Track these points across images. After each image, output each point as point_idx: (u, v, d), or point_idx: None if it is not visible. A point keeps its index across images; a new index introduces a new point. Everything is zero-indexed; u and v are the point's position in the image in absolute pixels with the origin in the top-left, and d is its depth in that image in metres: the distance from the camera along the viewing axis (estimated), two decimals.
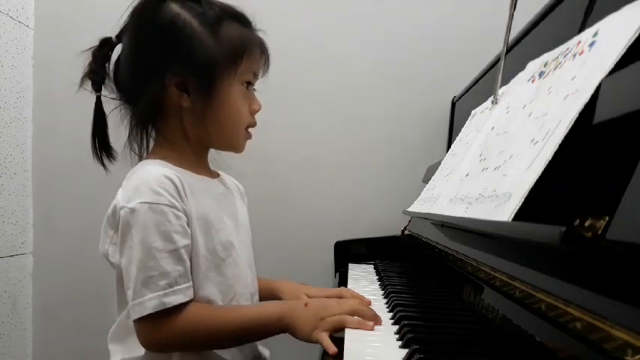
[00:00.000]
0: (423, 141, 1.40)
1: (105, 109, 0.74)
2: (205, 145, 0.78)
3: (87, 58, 0.73)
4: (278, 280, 0.90)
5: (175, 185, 0.67)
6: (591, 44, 0.50)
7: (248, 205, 0.89)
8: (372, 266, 1.17)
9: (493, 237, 0.60)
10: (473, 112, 0.96)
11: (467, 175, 0.72)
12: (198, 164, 0.77)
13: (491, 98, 0.80)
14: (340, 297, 0.75)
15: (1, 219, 1.33)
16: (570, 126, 0.44)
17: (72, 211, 1.41)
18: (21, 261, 1.40)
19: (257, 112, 0.78)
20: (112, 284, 0.71)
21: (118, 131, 0.75)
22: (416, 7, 1.39)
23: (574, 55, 0.53)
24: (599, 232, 0.36)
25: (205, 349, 0.70)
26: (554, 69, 0.58)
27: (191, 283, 0.66)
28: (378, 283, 0.96)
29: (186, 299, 0.65)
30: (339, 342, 0.60)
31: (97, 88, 0.74)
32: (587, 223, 0.38)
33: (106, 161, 0.75)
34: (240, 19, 0.74)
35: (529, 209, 0.46)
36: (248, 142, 0.80)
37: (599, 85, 0.43)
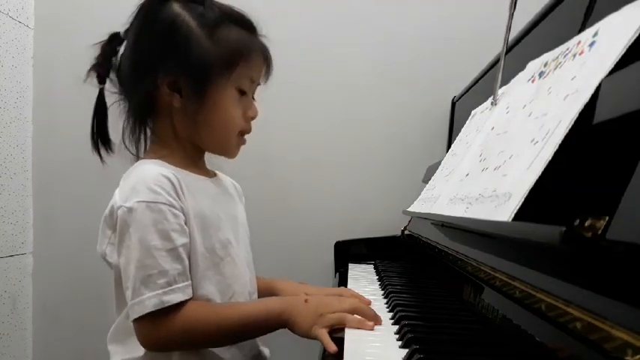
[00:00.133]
0: (423, 141, 1.40)
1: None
2: (198, 146, 0.77)
3: (89, 55, 0.74)
4: (277, 279, 0.90)
5: (173, 184, 0.67)
6: (591, 44, 0.50)
7: (247, 205, 0.89)
8: (372, 266, 1.17)
9: (493, 237, 0.60)
10: (473, 112, 0.96)
11: (467, 175, 0.72)
12: (195, 164, 0.77)
13: (490, 99, 0.80)
14: (340, 296, 0.75)
15: (1, 219, 1.33)
16: (570, 126, 0.44)
17: (72, 211, 1.41)
18: (21, 261, 1.40)
19: (252, 118, 0.77)
20: (112, 284, 0.71)
21: (117, 126, 0.75)
22: (416, 7, 1.39)
23: (574, 55, 0.53)
24: (599, 232, 0.36)
25: (205, 347, 0.69)
26: (554, 69, 0.58)
27: (190, 281, 0.66)
28: (378, 283, 0.96)
29: (185, 298, 0.65)
30: (339, 342, 0.60)
31: (101, 80, 0.74)
32: (587, 223, 0.38)
33: (103, 153, 0.75)
34: (242, 23, 0.73)
35: (529, 209, 0.46)
36: (248, 141, 0.79)
37: (599, 85, 0.43)
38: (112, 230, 0.68)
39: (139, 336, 0.65)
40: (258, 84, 0.79)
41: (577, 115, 0.44)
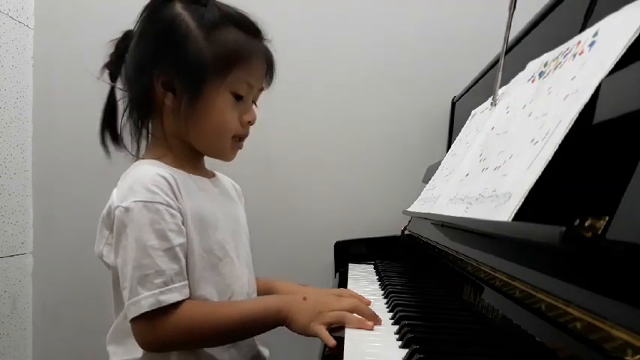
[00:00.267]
0: (423, 141, 1.40)
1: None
2: (192, 146, 0.76)
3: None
4: (277, 280, 0.90)
5: (170, 184, 0.67)
6: (591, 44, 0.50)
7: (247, 205, 0.89)
8: (372, 266, 1.17)
9: (493, 237, 0.60)
10: (473, 112, 0.96)
11: (467, 175, 0.72)
12: (193, 164, 0.77)
13: (490, 99, 0.80)
14: (339, 296, 0.75)
15: (1, 219, 1.33)
16: (570, 126, 0.44)
17: (72, 211, 1.41)
18: (21, 261, 1.40)
19: (250, 124, 0.76)
20: (111, 284, 0.71)
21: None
22: (416, 7, 1.39)
23: (574, 55, 0.53)
24: (599, 232, 0.36)
25: (204, 347, 0.69)
26: (554, 69, 0.58)
27: (187, 281, 0.66)
28: (378, 283, 0.96)
29: (182, 297, 0.64)
30: (338, 342, 0.60)
31: (112, 78, 0.75)
32: (587, 223, 0.38)
33: (111, 147, 0.75)
34: (244, 26, 0.72)
35: (529, 209, 0.46)
36: (248, 141, 0.79)
37: (599, 85, 0.43)
38: (109, 230, 0.68)
39: (136, 336, 0.64)
40: (261, 89, 0.77)
41: (577, 115, 0.44)
